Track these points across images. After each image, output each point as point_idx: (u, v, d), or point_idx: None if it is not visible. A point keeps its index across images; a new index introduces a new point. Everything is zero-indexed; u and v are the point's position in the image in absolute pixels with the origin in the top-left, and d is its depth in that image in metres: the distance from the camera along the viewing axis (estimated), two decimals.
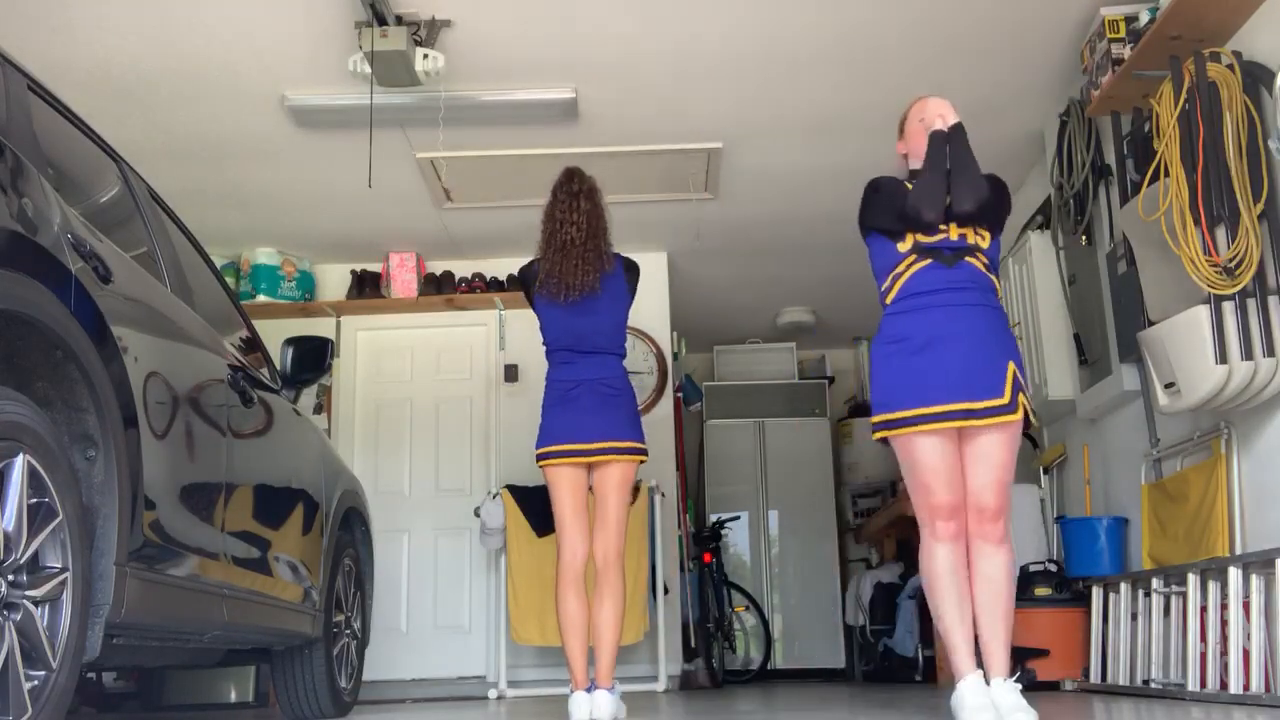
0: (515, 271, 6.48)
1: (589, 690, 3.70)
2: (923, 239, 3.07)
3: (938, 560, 3.00)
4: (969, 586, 3.00)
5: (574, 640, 3.79)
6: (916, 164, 3.20)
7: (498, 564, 6.03)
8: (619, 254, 4.01)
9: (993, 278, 3.11)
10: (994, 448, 3.00)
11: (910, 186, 3.14)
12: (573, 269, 3.86)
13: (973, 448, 3.01)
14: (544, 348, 3.99)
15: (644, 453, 3.90)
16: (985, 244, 3.10)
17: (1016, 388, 2.99)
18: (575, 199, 3.95)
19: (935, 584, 3.01)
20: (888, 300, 3.13)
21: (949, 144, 3.11)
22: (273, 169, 5.49)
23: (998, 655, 2.94)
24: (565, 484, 3.88)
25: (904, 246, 3.09)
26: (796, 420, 8.25)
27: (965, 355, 2.97)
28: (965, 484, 3.02)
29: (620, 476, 3.88)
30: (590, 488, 3.95)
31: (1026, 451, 6.18)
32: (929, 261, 3.05)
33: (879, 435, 3.08)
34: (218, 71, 4.59)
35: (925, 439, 2.99)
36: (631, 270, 4.06)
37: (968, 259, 3.06)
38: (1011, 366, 3.01)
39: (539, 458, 3.91)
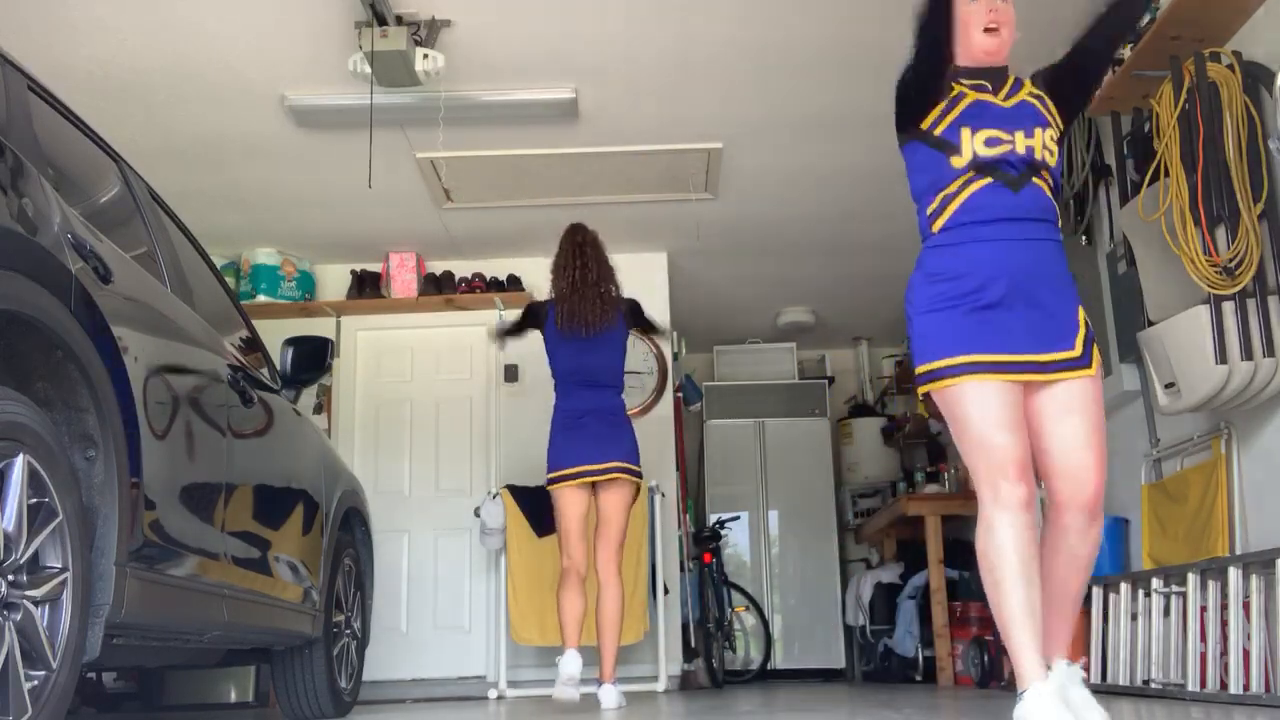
0: (515, 272, 6.59)
1: (568, 685, 4.15)
2: (983, 153, 2.53)
3: (1001, 535, 2.38)
4: (1040, 570, 2.42)
5: (569, 619, 4.28)
6: (967, 61, 2.65)
7: (498, 564, 6.03)
8: (618, 300, 4.50)
9: (1057, 205, 2.61)
10: (1083, 407, 2.49)
11: (955, 84, 2.62)
12: (590, 307, 4.36)
13: (1055, 411, 2.50)
14: (551, 377, 4.50)
15: (641, 477, 4.44)
16: (1053, 159, 2.59)
17: (1090, 338, 2.54)
18: (580, 249, 4.47)
19: (999, 565, 2.38)
20: (934, 227, 2.60)
21: None
22: (273, 169, 5.49)
23: (1064, 635, 2.57)
24: (572, 505, 4.39)
25: (959, 161, 2.55)
26: (796, 420, 8.24)
27: (1028, 297, 2.49)
28: (1051, 459, 2.52)
29: (622, 498, 4.40)
30: (596, 506, 4.40)
31: None
32: (989, 181, 2.53)
33: (923, 389, 2.55)
34: (218, 71, 4.59)
35: (979, 385, 2.44)
36: (632, 311, 4.56)
37: (1035, 180, 2.55)
38: (1082, 313, 2.54)
39: (549, 481, 4.42)
